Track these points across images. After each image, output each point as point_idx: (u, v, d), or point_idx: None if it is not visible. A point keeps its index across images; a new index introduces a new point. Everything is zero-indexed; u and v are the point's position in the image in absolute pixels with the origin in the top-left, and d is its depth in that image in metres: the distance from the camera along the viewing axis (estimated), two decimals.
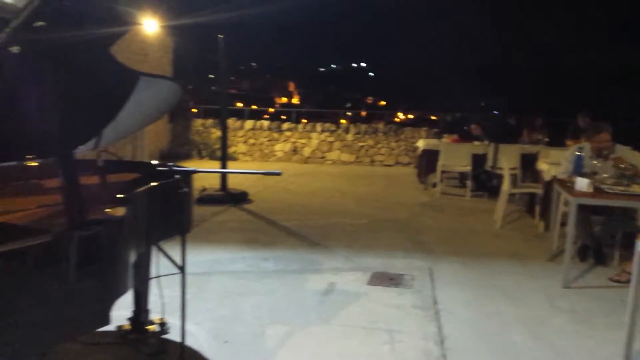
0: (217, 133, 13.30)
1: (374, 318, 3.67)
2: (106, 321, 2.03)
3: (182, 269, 2.65)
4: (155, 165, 2.89)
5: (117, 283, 2.12)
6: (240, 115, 13.92)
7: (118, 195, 2.36)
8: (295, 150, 13.06)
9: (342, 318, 3.69)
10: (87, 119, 2.51)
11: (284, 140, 13.11)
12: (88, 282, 1.94)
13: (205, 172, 2.96)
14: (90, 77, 2.46)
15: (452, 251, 5.37)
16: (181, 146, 12.87)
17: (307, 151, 13.02)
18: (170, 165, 2.75)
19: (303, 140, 13.04)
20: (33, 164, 2.95)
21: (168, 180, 2.76)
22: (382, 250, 5.34)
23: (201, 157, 12.83)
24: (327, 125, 13.17)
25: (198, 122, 13.49)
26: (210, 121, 13.50)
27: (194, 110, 14.05)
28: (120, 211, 2.26)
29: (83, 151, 2.71)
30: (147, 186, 2.61)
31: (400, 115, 25.35)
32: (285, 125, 13.19)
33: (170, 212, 2.84)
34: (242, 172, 2.88)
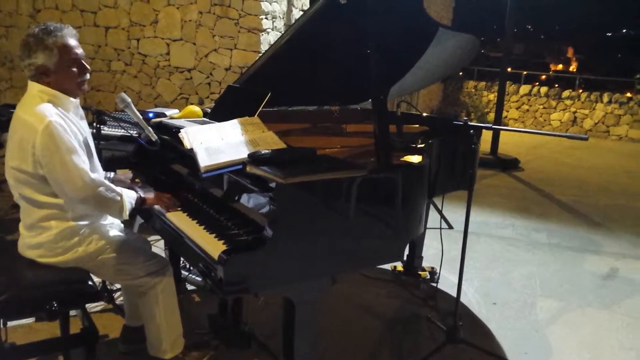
0: (488, 96, 12.90)
1: None
2: (400, 257, 2.19)
3: (466, 226, 2.67)
4: (449, 120, 2.94)
5: (411, 225, 2.25)
6: (515, 79, 13.17)
7: (419, 145, 2.47)
8: (574, 121, 11.89)
9: (627, 308, 3.32)
10: (391, 68, 2.64)
11: (562, 109, 12.01)
12: (387, 219, 2.11)
13: (506, 130, 2.91)
14: (400, 27, 2.58)
15: None
16: (450, 106, 12.86)
17: (588, 123, 11.72)
18: (465, 121, 2.76)
19: (585, 111, 11.76)
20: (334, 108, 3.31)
21: (463, 134, 2.79)
22: None
23: (469, 119, 12.61)
24: (617, 96, 11.59)
25: (470, 84, 13.24)
26: (482, 84, 13.11)
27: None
28: (414, 159, 2.37)
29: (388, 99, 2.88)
30: (441, 138, 2.68)
31: None
32: (566, 93, 12.03)
33: (456, 166, 2.88)
34: (543, 133, 2.74)
